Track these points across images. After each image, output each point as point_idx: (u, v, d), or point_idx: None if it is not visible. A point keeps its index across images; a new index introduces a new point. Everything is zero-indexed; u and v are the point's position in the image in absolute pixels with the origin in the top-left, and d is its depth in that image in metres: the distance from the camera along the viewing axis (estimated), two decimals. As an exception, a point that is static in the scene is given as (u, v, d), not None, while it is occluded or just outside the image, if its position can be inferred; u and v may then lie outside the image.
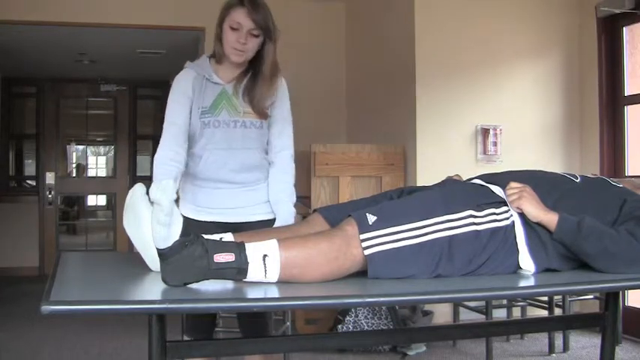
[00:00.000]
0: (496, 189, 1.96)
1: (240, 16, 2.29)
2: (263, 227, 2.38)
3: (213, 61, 2.42)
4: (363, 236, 1.76)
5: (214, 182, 2.38)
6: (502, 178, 2.01)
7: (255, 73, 2.38)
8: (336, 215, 1.99)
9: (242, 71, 2.40)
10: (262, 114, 2.39)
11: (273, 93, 2.40)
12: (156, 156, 2.33)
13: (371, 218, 1.79)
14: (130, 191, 1.83)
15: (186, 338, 2.47)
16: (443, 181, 2.19)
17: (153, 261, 1.78)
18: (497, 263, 1.86)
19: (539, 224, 1.88)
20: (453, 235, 1.81)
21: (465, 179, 2.17)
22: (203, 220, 2.38)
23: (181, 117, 2.35)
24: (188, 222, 2.33)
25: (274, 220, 2.46)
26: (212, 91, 2.37)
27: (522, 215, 1.89)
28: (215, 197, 2.40)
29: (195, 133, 2.37)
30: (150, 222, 1.67)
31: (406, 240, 1.78)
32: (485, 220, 1.86)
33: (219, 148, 2.37)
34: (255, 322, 2.48)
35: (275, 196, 2.45)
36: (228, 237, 1.94)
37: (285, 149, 2.48)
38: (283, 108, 2.46)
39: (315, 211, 2.13)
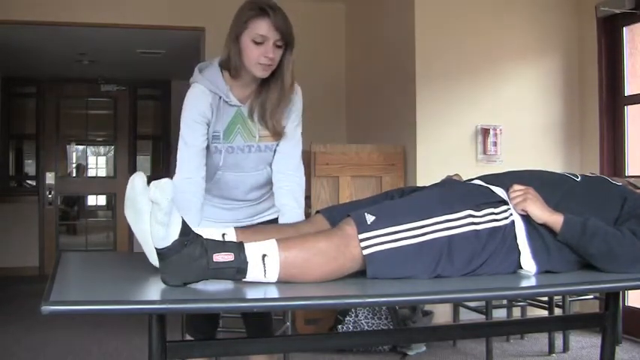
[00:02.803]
0: (496, 189, 1.96)
1: (264, 28, 2.08)
2: (266, 225, 2.37)
3: (227, 75, 2.20)
4: (361, 236, 1.76)
5: (224, 200, 2.35)
6: (503, 179, 2.01)
7: (271, 88, 2.19)
8: (338, 216, 1.99)
9: (256, 88, 2.22)
10: (279, 133, 2.25)
11: (287, 105, 2.25)
12: (175, 179, 2.15)
13: (369, 218, 1.79)
14: (130, 182, 1.75)
15: (188, 338, 2.47)
16: (442, 180, 2.20)
17: (153, 254, 1.75)
18: (496, 263, 1.86)
19: (543, 225, 1.88)
20: (452, 235, 1.81)
21: (465, 180, 2.17)
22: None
23: (201, 139, 2.18)
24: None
25: (277, 219, 2.42)
26: (227, 114, 2.20)
27: (525, 216, 1.89)
28: (225, 212, 2.36)
29: (208, 155, 2.23)
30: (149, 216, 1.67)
31: (405, 240, 1.78)
32: (484, 219, 1.86)
33: (231, 172, 2.28)
34: (259, 321, 2.48)
35: (283, 200, 2.30)
36: (230, 234, 1.94)
37: (295, 157, 2.34)
38: (294, 118, 2.30)
39: (317, 212, 2.12)
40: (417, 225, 1.80)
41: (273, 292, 1.68)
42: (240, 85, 2.22)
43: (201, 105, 2.17)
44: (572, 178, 2.09)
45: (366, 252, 1.76)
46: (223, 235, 1.90)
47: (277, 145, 2.30)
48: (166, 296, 1.57)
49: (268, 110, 2.20)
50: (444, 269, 1.80)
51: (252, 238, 1.80)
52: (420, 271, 1.79)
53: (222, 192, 2.33)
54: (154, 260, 1.74)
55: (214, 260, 1.63)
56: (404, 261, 1.78)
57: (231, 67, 2.17)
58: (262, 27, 2.09)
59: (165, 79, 8.07)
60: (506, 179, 1.99)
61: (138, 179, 1.75)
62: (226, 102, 2.19)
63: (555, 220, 1.86)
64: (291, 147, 2.32)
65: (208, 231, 1.87)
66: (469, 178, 2.16)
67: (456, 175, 2.21)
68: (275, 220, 2.42)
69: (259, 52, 2.10)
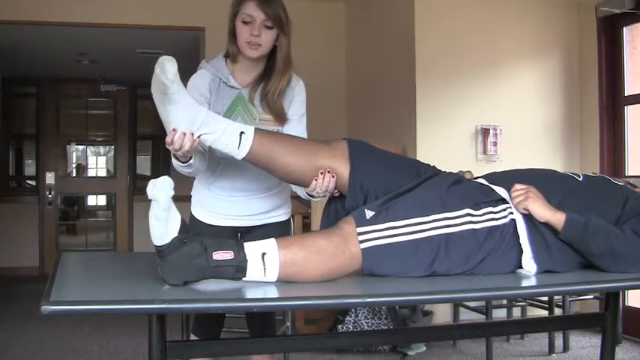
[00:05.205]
0: (497, 188, 1.96)
1: (251, 9, 2.21)
2: (279, 229, 2.37)
3: (229, 62, 2.32)
4: (359, 229, 1.77)
5: (230, 191, 2.34)
6: (505, 179, 2.00)
7: (271, 71, 2.29)
8: (361, 156, 1.96)
9: (259, 74, 2.32)
10: (280, 116, 2.30)
11: (286, 89, 2.31)
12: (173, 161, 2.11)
13: (369, 213, 1.79)
14: (159, 65, 1.75)
15: (193, 337, 2.47)
16: (454, 174, 2.16)
17: (169, 127, 1.85)
18: (494, 262, 1.86)
19: (545, 224, 1.88)
20: (450, 233, 1.81)
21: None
22: (219, 225, 2.35)
23: None
24: (203, 226, 2.33)
25: (289, 220, 2.45)
26: (228, 96, 2.28)
27: (526, 215, 1.89)
28: (232, 205, 2.35)
29: None
30: (181, 104, 1.77)
31: (402, 236, 1.78)
32: (482, 219, 1.86)
33: None
34: (263, 321, 2.48)
35: None
36: (249, 133, 1.91)
37: None
38: (298, 107, 2.36)
39: (344, 139, 2.04)
40: (416, 222, 1.80)
41: (273, 292, 1.68)
42: (241, 70, 2.31)
43: (199, 85, 2.28)
44: (574, 178, 2.09)
45: (362, 246, 1.76)
46: (241, 133, 1.90)
47: (279, 130, 2.32)
48: (166, 296, 1.57)
49: (269, 92, 2.28)
50: (439, 266, 1.81)
51: (268, 148, 1.90)
52: (415, 267, 1.79)
53: (227, 182, 2.32)
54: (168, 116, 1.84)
55: (214, 258, 1.64)
56: (400, 256, 1.78)
57: (230, 51, 2.30)
58: (249, 7, 2.22)
59: (165, 79, 8.06)
60: (508, 178, 1.99)
61: (169, 64, 1.76)
62: (226, 84, 2.28)
63: (557, 218, 1.86)
64: (298, 133, 2.33)
65: (225, 123, 1.90)
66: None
67: (468, 172, 2.18)
68: (287, 222, 2.45)
69: (247, 31, 2.22)
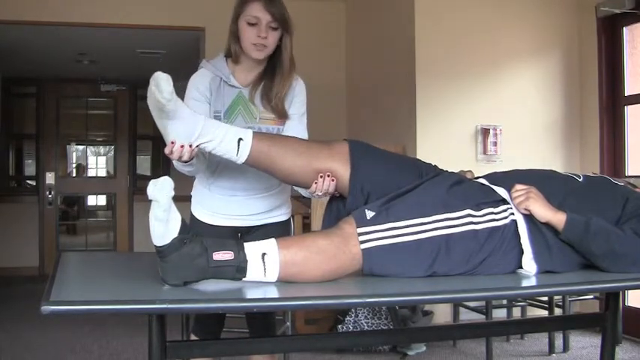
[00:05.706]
0: (498, 189, 1.96)
1: (257, 10, 2.20)
2: (279, 229, 2.37)
3: (229, 62, 2.32)
4: (360, 230, 1.77)
5: (230, 190, 2.34)
6: (505, 179, 2.00)
7: (273, 70, 2.30)
8: (362, 157, 1.95)
9: (259, 73, 2.32)
10: (282, 114, 2.31)
11: (289, 88, 2.32)
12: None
13: (369, 214, 1.79)
14: (154, 82, 1.75)
15: (193, 337, 2.47)
16: (455, 174, 2.16)
17: (168, 138, 1.85)
18: (495, 262, 1.86)
19: (545, 225, 1.88)
20: (451, 234, 1.81)
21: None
22: (219, 225, 2.36)
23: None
24: (203, 226, 2.34)
25: (289, 220, 2.46)
26: (228, 95, 2.29)
27: (527, 216, 1.89)
28: (231, 204, 2.35)
29: None
30: (175, 119, 1.78)
31: (403, 236, 1.78)
32: (483, 219, 1.86)
33: None
34: (262, 321, 2.48)
35: None
36: (247, 139, 1.90)
37: None
38: (299, 107, 2.36)
39: (345, 140, 2.02)
40: (416, 222, 1.80)
41: (273, 292, 1.68)
42: (242, 70, 2.32)
43: (199, 84, 2.29)
44: (574, 178, 2.09)
45: (363, 247, 1.76)
46: (239, 140, 1.89)
47: (279, 129, 2.33)
48: (166, 296, 1.57)
49: (271, 91, 2.29)
50: (440, 267, 1.81)
51: (267, 151, 1.89)
52: (416, 267, 1.79)
53: (226, 181, 2.32)
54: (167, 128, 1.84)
55: (214, 259, 1.64)
56: (400, 257, 1.78)
57: (232, 51, 2.30)
58: (255, 9, 2.21)
59: (164, 79, 8.06)
60: (509, 179, 1.99)
61: (164, 83, 1.74)
62: (227, 83, 2.29)
63: (558, 218, 1.86)
64: (299, 132, 2.34)
65: (223, 130, 1.89)
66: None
67: (469, 171, 2.18)
68: (287, 222, 2.45)
69: (253, 33, 2.22)
